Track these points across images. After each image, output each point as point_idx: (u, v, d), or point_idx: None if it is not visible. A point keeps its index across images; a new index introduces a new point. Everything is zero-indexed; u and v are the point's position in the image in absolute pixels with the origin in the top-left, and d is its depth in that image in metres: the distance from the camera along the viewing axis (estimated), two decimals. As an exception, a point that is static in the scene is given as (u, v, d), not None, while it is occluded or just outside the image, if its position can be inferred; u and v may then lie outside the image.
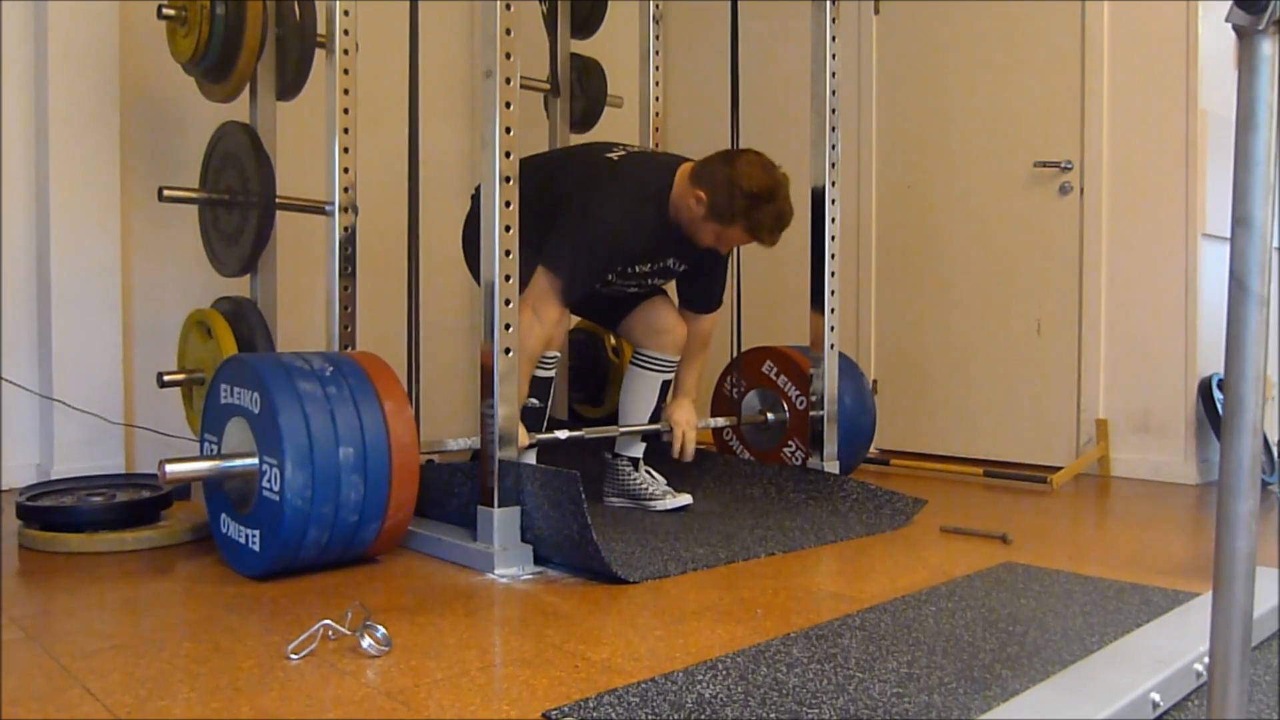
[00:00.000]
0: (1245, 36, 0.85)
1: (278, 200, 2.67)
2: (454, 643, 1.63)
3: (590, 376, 3.74)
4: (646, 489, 2.76)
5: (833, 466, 2.96)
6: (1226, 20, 0.86)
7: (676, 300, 2.89)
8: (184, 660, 1.54)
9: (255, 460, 1.99)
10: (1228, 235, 0.89)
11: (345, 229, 2.61)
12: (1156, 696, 1.29)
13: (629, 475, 2.78)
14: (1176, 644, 1.46)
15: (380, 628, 1.58)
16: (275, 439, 1.93)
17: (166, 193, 2.70)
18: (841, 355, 3.09)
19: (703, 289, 2.83)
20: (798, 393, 3.13)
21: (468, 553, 2.16)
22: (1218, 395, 3.26)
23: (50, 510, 2.36)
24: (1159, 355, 3.41)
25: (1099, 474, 3.51)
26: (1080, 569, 2.16)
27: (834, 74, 2.97)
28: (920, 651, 1.58)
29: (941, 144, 3.98)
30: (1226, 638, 0.89)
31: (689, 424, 2.79)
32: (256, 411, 1.99)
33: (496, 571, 2.09)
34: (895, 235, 4.13)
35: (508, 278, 2.17)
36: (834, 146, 3.00)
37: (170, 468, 1.98)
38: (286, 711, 1.33)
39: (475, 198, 2.72)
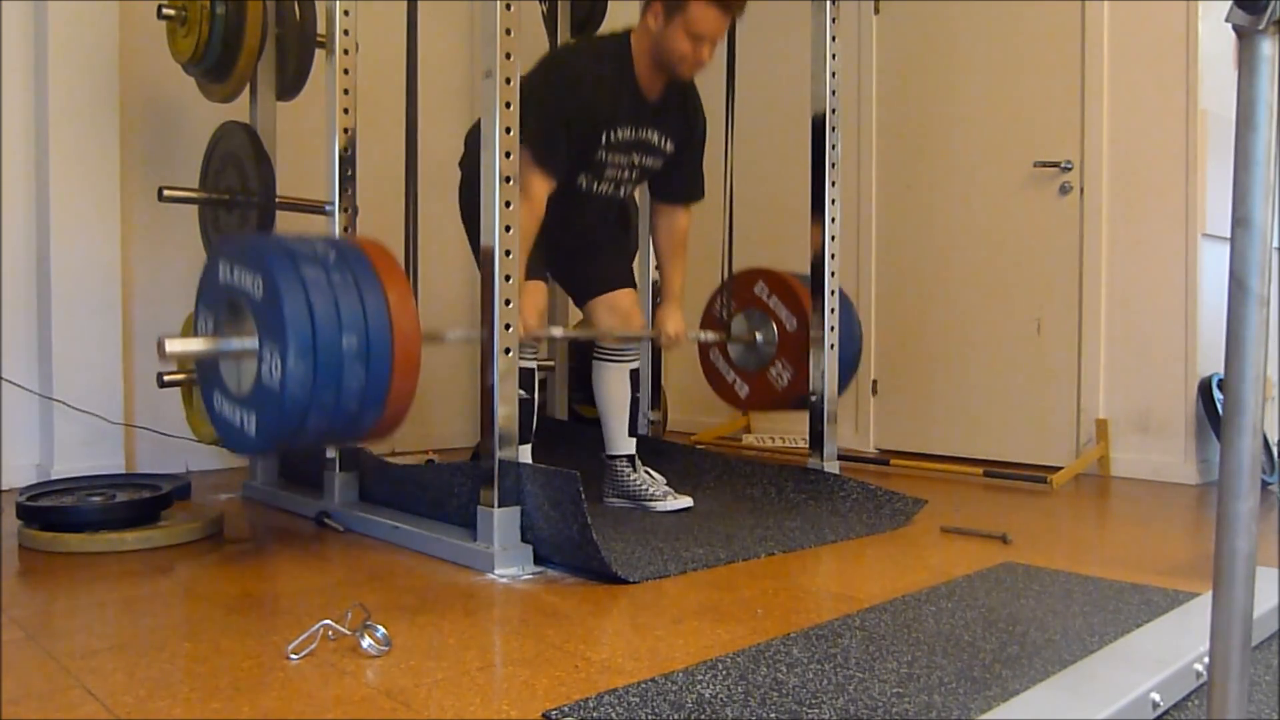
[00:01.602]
0: (1245, 36, 0.85)
1: (278, 200, 2.68)
2: (454, 643, 1.63)
3: (590, 376, 3.73)
4: (646, 489, 2.76)
5: (833, 466, 2.96)
6: (1226, 20, 0.86)
7: (656, 198, 2.87)
8: (184, 660, 1.54)
9: (255, 343, 1.93)
10: (1228, 235, 0.89)
11: (345, 229, 2.61)
12: (1156, 696, 1.29)
13: (628, 476, 2.78)
14: (1176, 644, 1.46)
15: (380, 628, 1.58)
16: (278, 326, 1.86)
17: (166, 193, 2.70)
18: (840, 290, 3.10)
19: (684, 176, 2.80)
20: (788, 314, 3.13)
21: (468, 553, 2.16)
22: (1218, 395, 3.26)
23: (50, 510, 2.36)
24: (1159, 355, 3.41)
25: (1099, 474, 3.51)
26: (1080, 569, 2.16)
27: (834, 74, 2.97)
28: (920, 651, 1.58)
29: (941, 144, 3.98)
30: (1226, 638, 0.89)
31: (680, 334, 2.83)
32: (259, 296, 1.91)
33: (496, 571, 2.09)
34: (895, 235, 4.13)
35: (508, 277, 2.17)
36: (834, 147, 2.99)
37: (170, 344, 1.93)
38: (286, 711, 1.33)
39: (463, 165, 2.72)
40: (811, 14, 2.99)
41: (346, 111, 2.60)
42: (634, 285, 2.92)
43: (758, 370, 3.23)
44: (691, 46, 2.51)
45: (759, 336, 3.21)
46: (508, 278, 2.17)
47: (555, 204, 2.52)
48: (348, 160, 2.61)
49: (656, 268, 3.22)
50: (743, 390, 3.32)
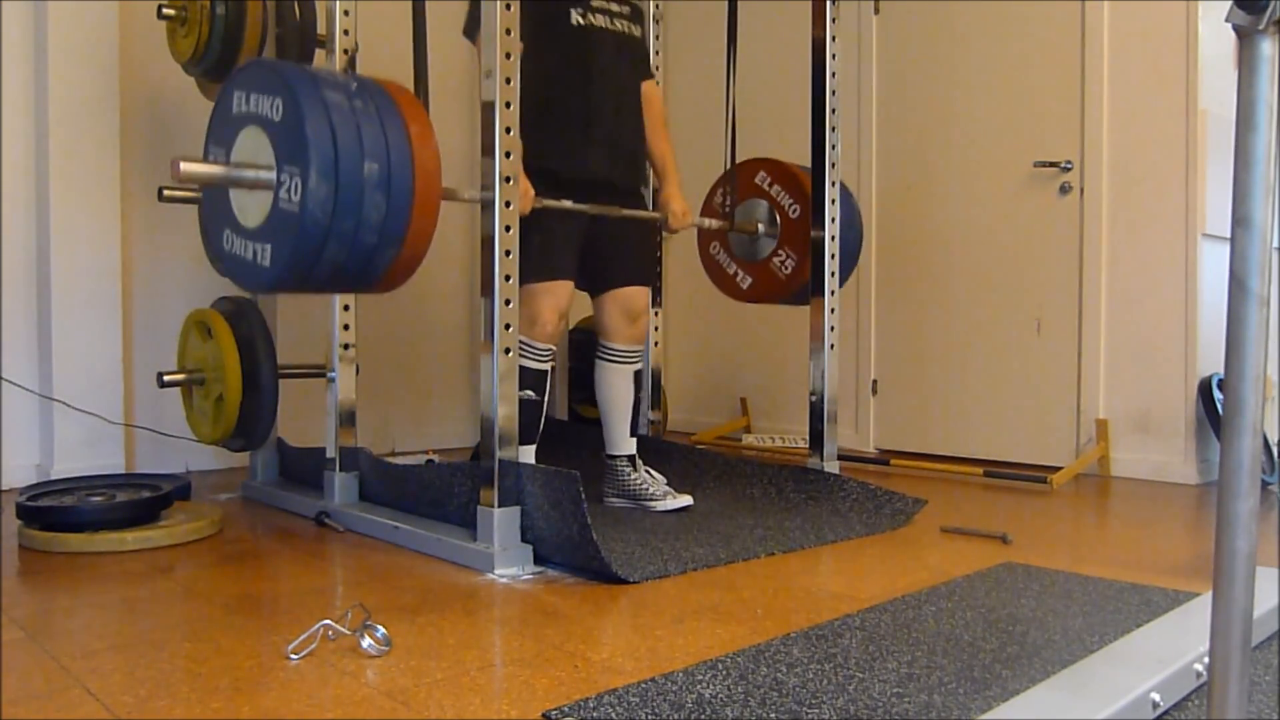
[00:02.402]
0: (1245, 36, 0.85)
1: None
2: (454, 643, 1.63)
3: (590, 376, 3.73)
4: (647, 489, 2.76)
5: (833, 466, 2.96)
6: (1226, 20, 0.86)
7: None
8: (184, 660, 1.54)
9: (273, 170, 1.85)
10: (1228, 235, 0.89)
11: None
12: (1156, 696, 1.29)
13: (628, 475, 2.78)
14: (1176, 644, 1.46)
15: (380, 628, 1.58)
16: (299, 146, 1.79)
17: (166, 193, 2.70)
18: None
19: (643, 58, 2.85)
20: (791, 202, 3.12)
21: (468, 553, 2.16)
22: (1218, 395, 3.26)
23: (50, 510, 2.36)
24: (1159, 355, 3.41)
25: (1099, 474, 3.51)
26: (1080, 569, 2.16)
27: (834, 74, 2.98)
28: (920, 651, 1.58)
29: (941, 144, 3.98)
30: (1226, 638, 0.89)
31: (687, 211, 2.85)
32: (278, 118, 1.84)
33: (496, 571, 2.09)
34: (895, 235, 4.13)
35: (508, 278, 2.17)
36: (834, 146, 2.99)
37: (185, 166, 1.86)
38: (286, 711, 1.33)
39: None
40: (811, 14, 2.99)
41: (346, 111, 2.59)
42: (649, 284, 2.92)
43: (761, 261, 3.21)
44: None
45: (761, 226, 3.19)
46: (507, 278, 2.17)
47: (560, 57, 2.51)
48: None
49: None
50: (745, 282, 3.28)
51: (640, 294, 2.83)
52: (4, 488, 3.06)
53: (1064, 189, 3.63)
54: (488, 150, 2.18)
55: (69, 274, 3.14)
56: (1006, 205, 3.79)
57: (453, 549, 2.20)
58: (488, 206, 2.18)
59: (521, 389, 2.36)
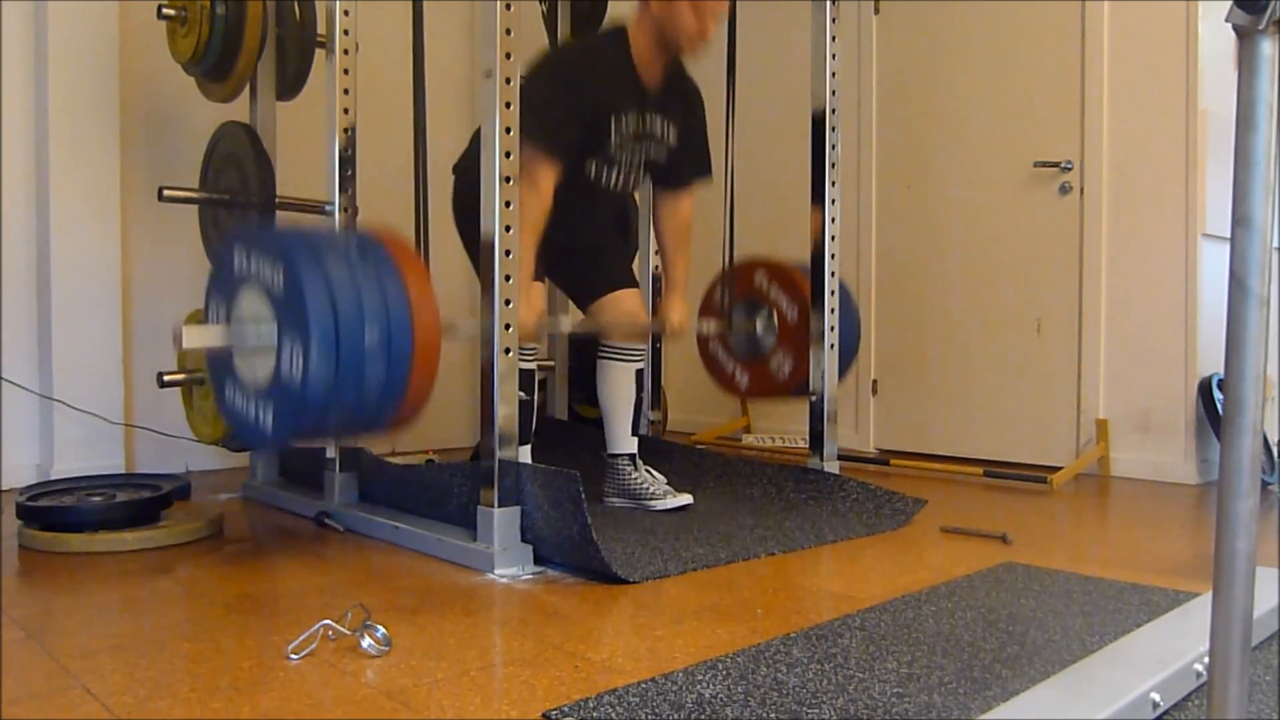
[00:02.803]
0: (1245, 36, 0.85)
1: (278, 200, 2.67)
2: (454, 643, 1.63)
3: (590, 376, 3.73)
4: (647, 488, 2.76)
5: (833, 466, 2.96)
6: (1226, 20, 0.86)
7: (660, 186, 2.86)
8: (184, 660, 1.54)
9: (274, 334, 1.88)
10: (1228, 235, 0.89)
11: (345, 229, 2.61)
12: (1156, 696, 1.29)
13: (628, 475, 2.78)
14: (1176, 644, 1.46)
15: (380, 628, 1.58)
16: (301, 321, 1.82)
17: (166, 193, 2.70)
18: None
19: (691, 155, 2.81)
20: (789, 304, 3.14)
21: (468, 553, 2.16)
22: (1218, 395, 3.26)
23: (50, 510, 2.36)
24: (1159, 355, 3.41)
25: (1099, 474, 3.51)
26: (1080, 569, 2.16)
27: (834, 74, 2.98)
28: (920, 651, 1.58)
29: (941, 144, 3.98)
30: (1226, 638, 0.89)
31: (684, 324, 2.86)
32: (280, 287, 1.87)
33: (496, 571, 2.09)
34: (895, 235, 4.13)
35: (507, 277, 2.17)
36: (834, 146, 2.99)
37: (187, 334, 1.89)
38: (286, 711, 1.33)
39: (456, 170, 2.72)
40: (811, 14, 2.99)
41: (347, 111, 2.60)
42: (637, 285, 2.92)
43: (758, 361, 3.24)
44: (696, 20, 2.53)
45: (759, 326, 3.21)
46: (507, 278, 2.17)
47: (562, 198, 2.51)
48: (348, 160, 2.61)
49: (657, 253, 3.21)
50: (743, 380, 3.31)
51: (629, 295, 2.84)
52: (4, 488, 3.06)
53: (1064, 189, 3.63)
54: (487, 150, 2.17)
55: (69, 274, 3.14)
56: (1006, 205, 3.79)
57: (453, 549, 2.20)
58: (487, 207, 2.18)
59: None
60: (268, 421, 1.92)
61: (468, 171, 2.57)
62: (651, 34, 2.58)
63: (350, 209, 2.62)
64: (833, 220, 3.00)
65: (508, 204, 2.17)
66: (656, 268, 3.24)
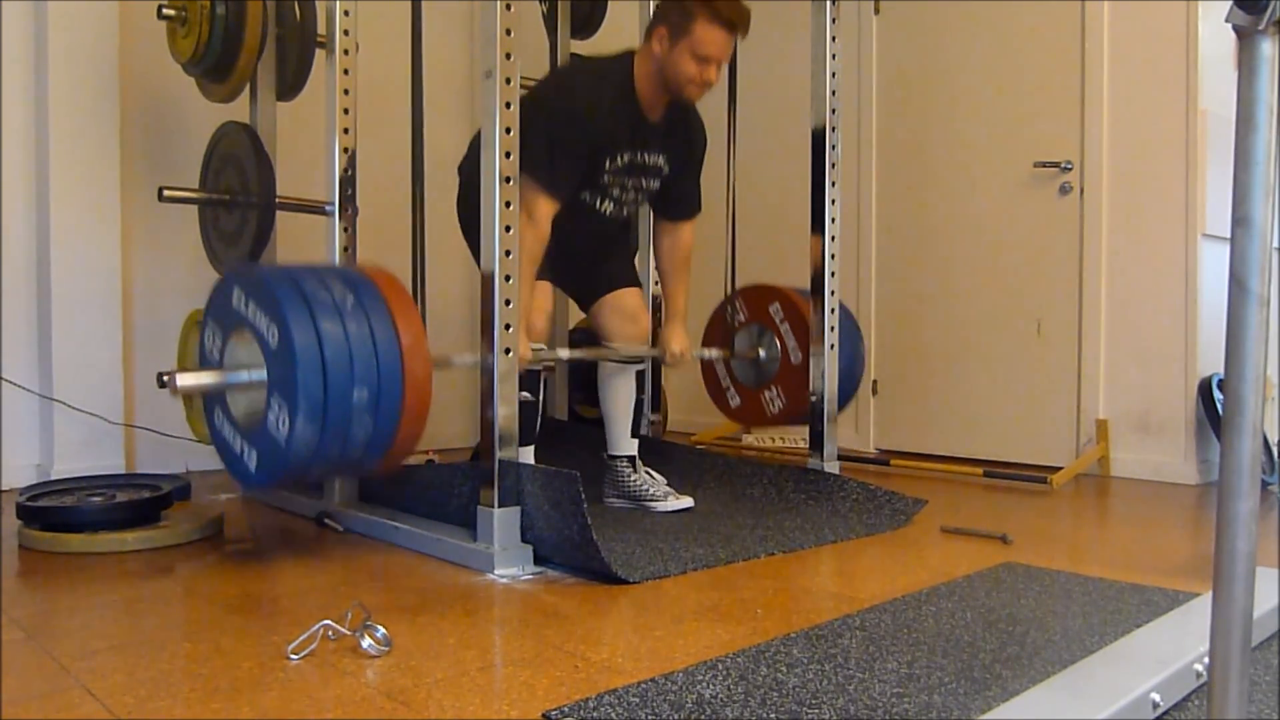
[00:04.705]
0: (1245, 36, 0.85)
1: (278, 200, 2.67)
2: (454, 643, 1.63)
3: (590, 376, 3.73)
4: (647, 490, 2.76)
5: (833, 466, 2.96)
6: (1226, 20, 0.86)
7: (659, 216, 2.87)
8: (184, 660, 1.54)
9: (264, 378, 1.92)
10: (1228, 235, 0.89)
11: (345, 229, 2.61)
12: (1156, 696, 1.29)
13: (628, 476, 2.78)
14: (1176, 644, 1.46)
15: (380, 628, 1.58)
16: (289, 383, 1.85)
17: (166, 193, 2.70)
18: (841, 305, 3.10)
19: (681, 193, 2.81)
20: (795, 343, 3.14)
21: (468, 553, 2.16)
22: (1218, 395, 3.26)
23: (50, 510, 2.36)
24: (1159, 355, 3.41)
25: (1099, 474, 3.51)
26: (1080, 569, 2.16)
27: (834, 74, 2.97)
28: (920, 651, 1.58)
29: (941, 144, 3.98)
30: (1226, 638, 0.89)
31: (685, 352, 2.84)
32: (272, 343, 1.91)
33: (496, 571, 2.09)
34: (895, 235, 4.13)
35: (508, 278, 2.17)
36: (834, 146, 2.99)
37: (181, 379, 1.93)
38: (286, 711, 1.33)
39: (462, 171, 2.72)
40: (811, 15, 2.99)
41: (346, 111, 2.60)
42: (639, 284, 2.92)
43: (753, 388, 3.26)
44: (698, 68, 2.52)
45: (762, 354, 3.22)
46: (508, 278, 2.17)
47: (559, 221, 2.52)
48: (348, 160, 2.61)
49: (657, 279, 3.22)
50: (734, 401, 3.37)
51: (631, 294, 2.83)
52: (4, 488, 3.06)
53: (1064, 189, 3.63)
54: (487, 150, 2.17)
55: (69, 274, 3.14)
56: (1006, 205, 3.79)
57: (453, 549, 2.20)
58: (488, 207, 2.18)
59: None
60: (252, 463, 1.97)
61: (473, 174, 2.57)
62: (654, 74, 2.57)
63: (350, 209, 2.62)
64: (833, 221, 3.00)
65: (507, 204, 2.17)
66: (657, 296, 3.24)
